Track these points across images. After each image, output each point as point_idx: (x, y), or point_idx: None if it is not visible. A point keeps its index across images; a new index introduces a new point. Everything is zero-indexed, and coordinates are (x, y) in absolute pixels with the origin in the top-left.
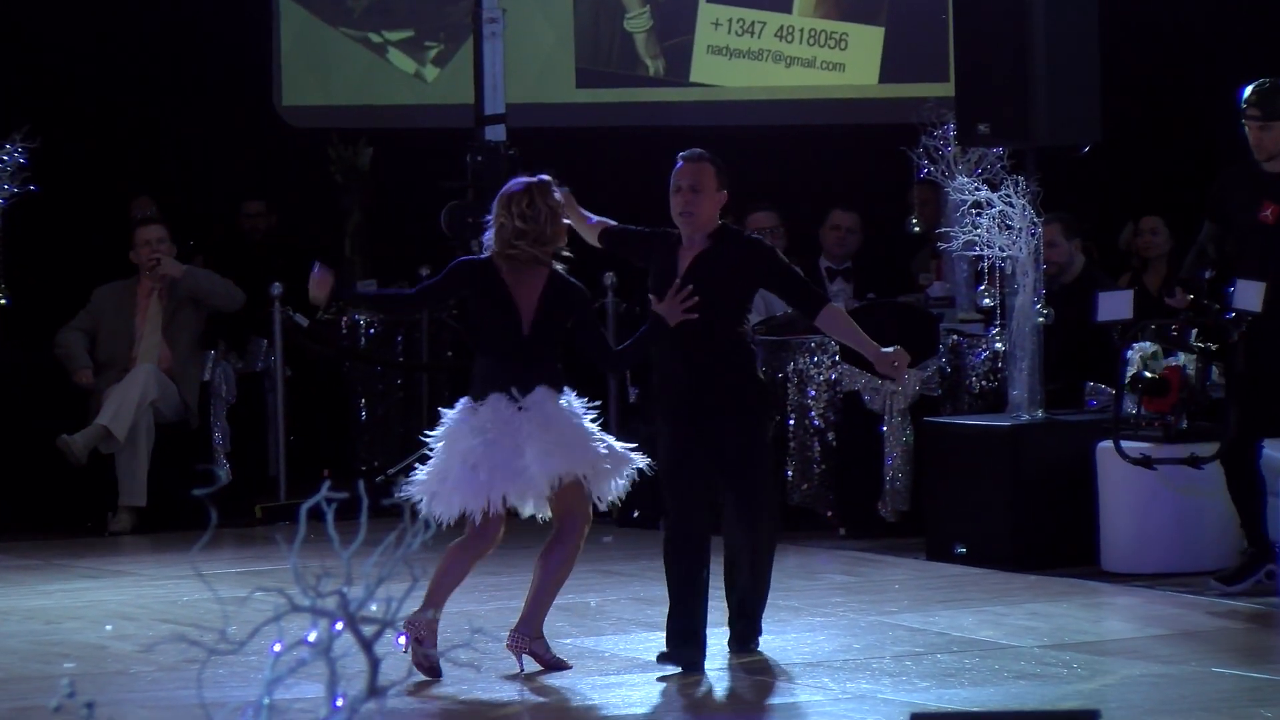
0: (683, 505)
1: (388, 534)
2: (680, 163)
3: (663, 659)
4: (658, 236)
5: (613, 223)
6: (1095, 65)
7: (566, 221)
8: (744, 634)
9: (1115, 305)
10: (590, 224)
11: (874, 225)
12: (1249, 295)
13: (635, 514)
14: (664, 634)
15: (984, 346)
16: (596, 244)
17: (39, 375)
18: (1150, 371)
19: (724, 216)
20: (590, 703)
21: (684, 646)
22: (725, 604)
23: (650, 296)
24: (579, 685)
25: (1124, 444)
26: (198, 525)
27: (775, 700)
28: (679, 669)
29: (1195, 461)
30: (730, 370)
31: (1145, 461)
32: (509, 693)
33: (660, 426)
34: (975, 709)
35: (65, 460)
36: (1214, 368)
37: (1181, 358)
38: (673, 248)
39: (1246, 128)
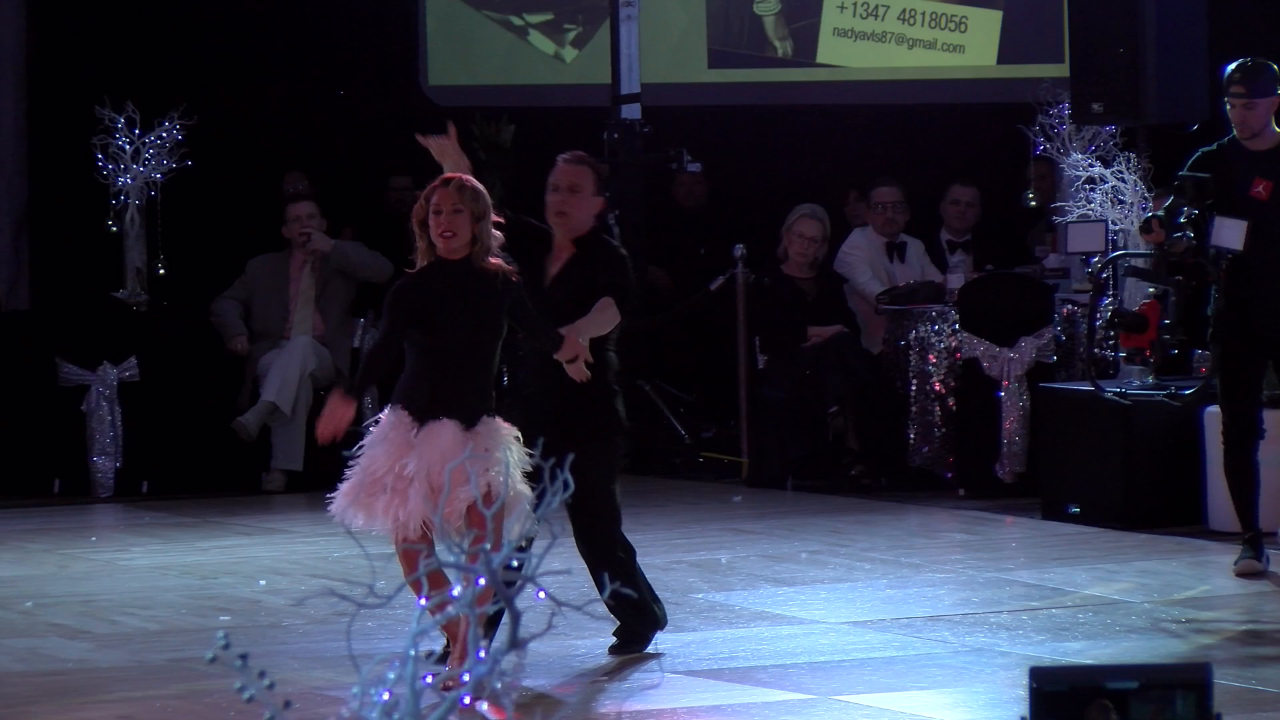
0: None
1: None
2: (559, 163)
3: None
4: (531, 233)
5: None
6: (1204, 45)
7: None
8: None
9: (1085, 237)
10: None
11: (992, 199)
12: (1230, 233)
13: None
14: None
15: (1097, 315)
16: None
17: (195, 342)
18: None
19: (853, 190)
20: (721, 653)
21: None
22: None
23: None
24: (711, 637)
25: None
26: None
27: (896, 652)
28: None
29: (1175, 398)
30: (584, 386)
31: (1122, 396)
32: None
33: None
34: (1090, 662)
35: (235, 435)
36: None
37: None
38: (546, 248)
39: (1230, 106)
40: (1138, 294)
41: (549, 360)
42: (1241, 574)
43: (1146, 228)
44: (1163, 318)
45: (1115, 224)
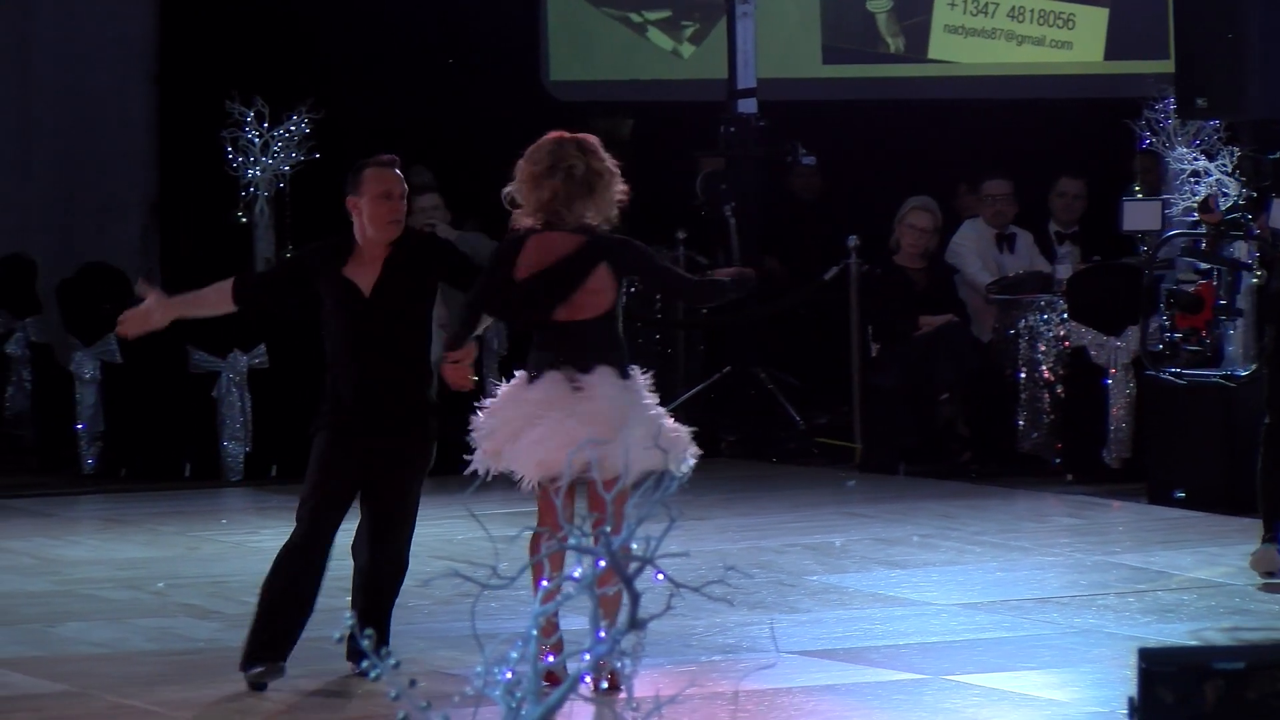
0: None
1: (647, 479)
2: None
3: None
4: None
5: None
6: None
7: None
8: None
9: (1142, 215)
10: None
11: (1099, 192)
12: None
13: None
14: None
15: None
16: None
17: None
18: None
19: (963, 183)
20: (835, 634)
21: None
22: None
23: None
24: (825, 618)
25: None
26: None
27: (1005, 633)
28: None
29: (1230, 380)
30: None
31: (1177, 375)
32: (760, 622)
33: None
34: (1196, 643)
35: None
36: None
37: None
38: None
39: None
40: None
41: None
42: (1259, 566)
43: (1205, 207)
44: (1218, 298)
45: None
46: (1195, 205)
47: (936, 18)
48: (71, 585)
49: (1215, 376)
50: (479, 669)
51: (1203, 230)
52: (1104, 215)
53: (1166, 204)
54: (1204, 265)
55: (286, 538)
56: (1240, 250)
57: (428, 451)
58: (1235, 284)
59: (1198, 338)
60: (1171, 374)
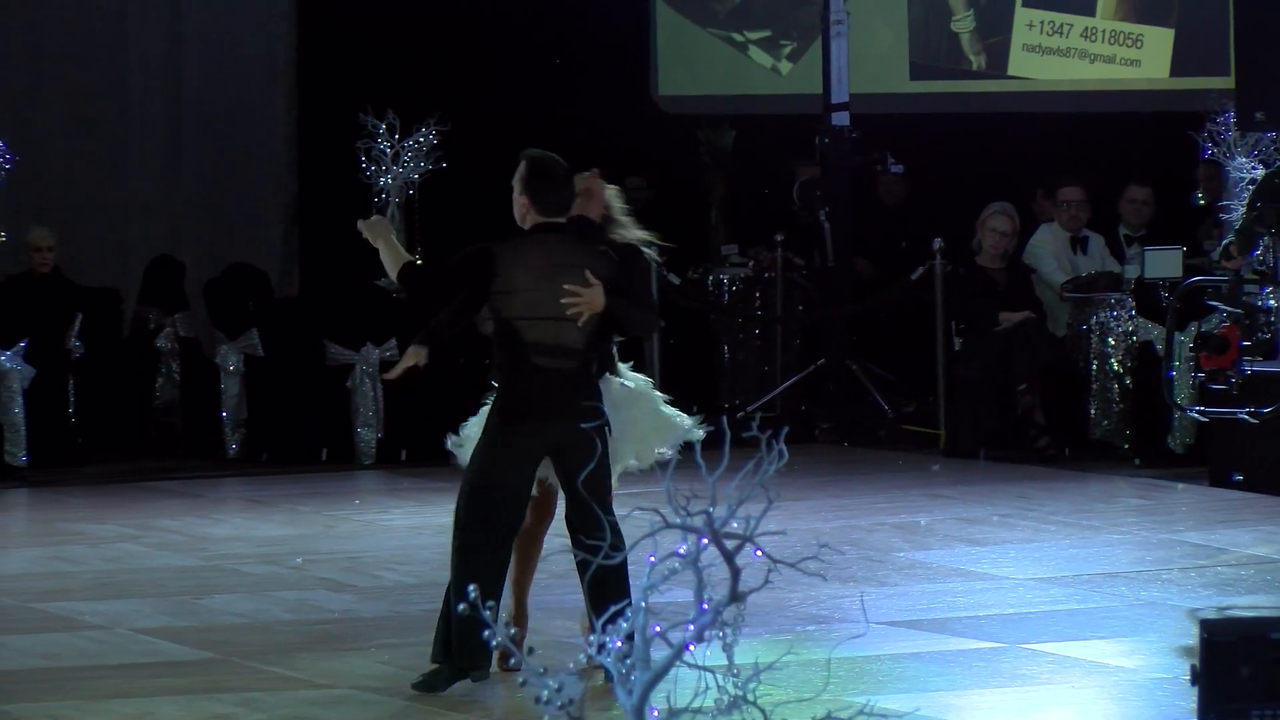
0: None
1: (747, 462)
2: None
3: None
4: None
5: None
6: None
7: None
8: None
9: (1163, 263)
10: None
11: (1165, 198)
12: None
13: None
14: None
15: (1259, 303)
16: None
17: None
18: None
19: (1040, 189)
20: (921, 606)
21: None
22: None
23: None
24: (912, 591)
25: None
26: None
27: (1077, 606)
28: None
29: (1255, 416)
30: None
31: (1202, 411)
32: (851, 595)
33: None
34: (1254, 615)
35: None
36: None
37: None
38: None
39: None
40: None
41: None
42: None
43: (1226, 254)
44: (1241, 339)
45: None
46: (1219, 255)
47: (1016, 37)
48: (216, 560)
49: (1242, 414)
50: (592, 638)
51: (1224, 276)
52: (1170, 220)
53: (1226, 209)
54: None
55: (415, 518)
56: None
57: None
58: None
59: (1224, 377)
60: (1198, 412)
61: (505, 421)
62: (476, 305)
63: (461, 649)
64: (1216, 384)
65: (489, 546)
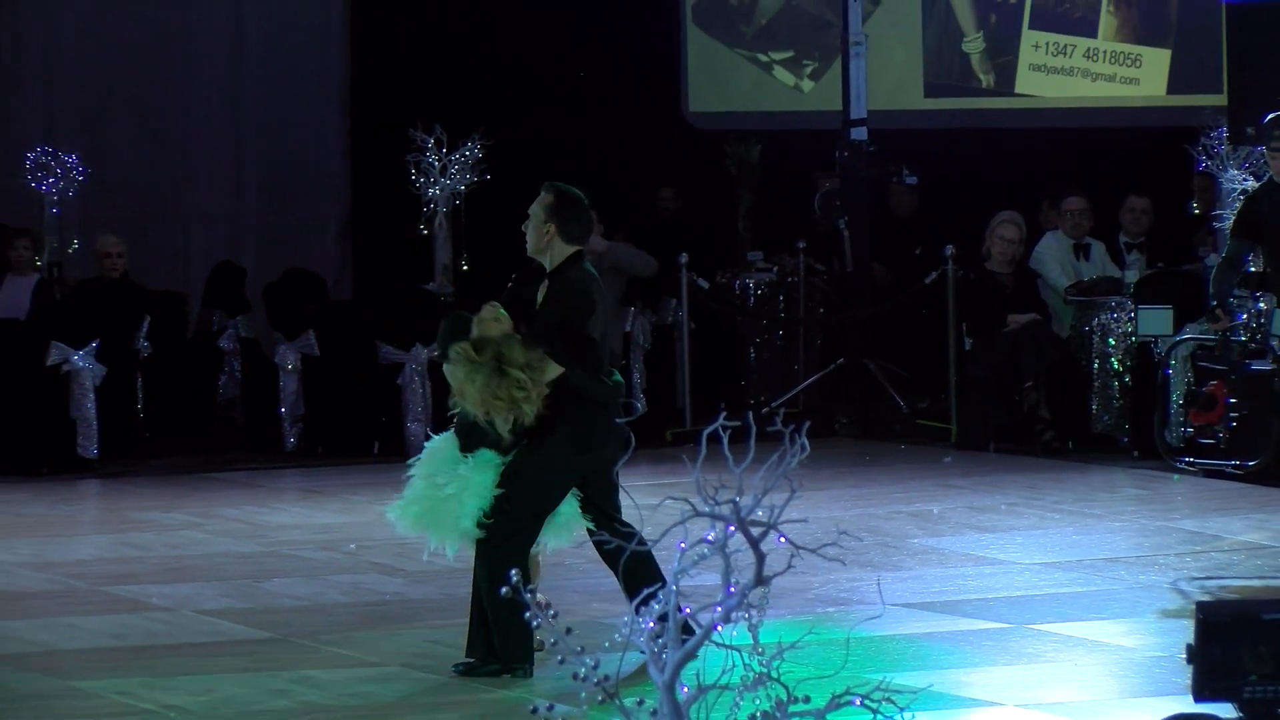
0: None
1: (771, 455)
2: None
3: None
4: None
5: None
6: None
7: None
8: None
9: (1155, 321)
10: None
11: (1162, 208)
12: None
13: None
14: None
15: (1250, 306)
16: None
17: None
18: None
19: (1045, 199)
20: (933, 589)
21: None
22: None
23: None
24: (925, 575)
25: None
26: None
27: (1080, 589)
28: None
29: (1240, 469)
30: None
31: (1192, 467)
32: (868, 579)
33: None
34: (1248, 597)
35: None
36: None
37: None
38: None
39: (1268, 153)
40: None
41: None
42: None
43: (1213, 316)
44: (1228, 396)
45: None
46: (1206, 318)
47: (1023, 57)
48: (275, 547)
49: (1229, 467)
50: (626, 619)
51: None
52: (1167, 228)
53: (1218, 218)
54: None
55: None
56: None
57: None
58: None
59: (1211, 432)
60: (1187, 463)
61: (584, 451)
62: None
63: (505, 646)
64: (1205, 439)
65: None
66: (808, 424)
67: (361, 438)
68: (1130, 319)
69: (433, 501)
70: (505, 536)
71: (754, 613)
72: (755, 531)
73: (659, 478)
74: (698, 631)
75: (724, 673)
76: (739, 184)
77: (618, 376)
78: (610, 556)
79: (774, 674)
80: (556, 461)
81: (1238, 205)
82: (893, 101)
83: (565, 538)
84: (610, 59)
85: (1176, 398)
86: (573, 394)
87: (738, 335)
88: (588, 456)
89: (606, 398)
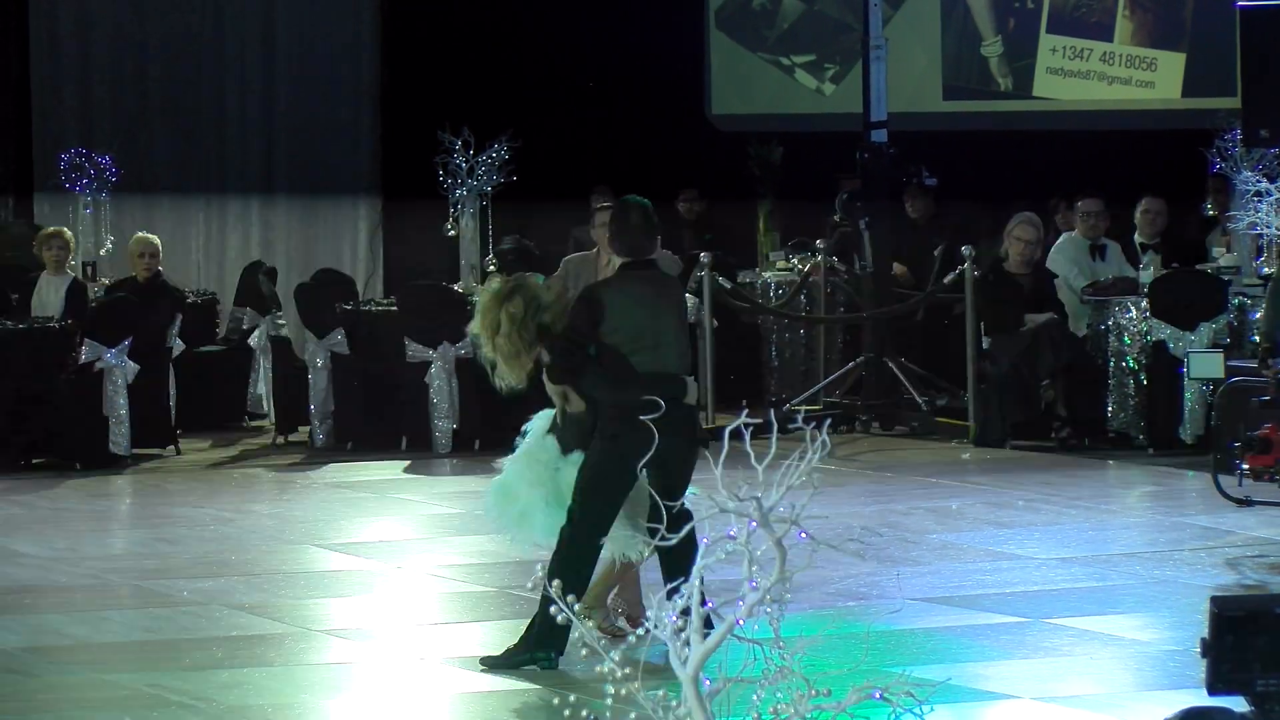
0: None
1: (793, 451)
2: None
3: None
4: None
5: None
6: None
7: None
8: None
9: (1207, 365)
10: None
11: (1177, 209)
12: None
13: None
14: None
15: (1262, 305)
16: None
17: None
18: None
19: (1062, 200)
20: (952, 583)
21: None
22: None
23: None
24: (944, 569)
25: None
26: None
27: (1096, 583)
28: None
29: None
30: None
31: (1246, 500)
32: (888, 574)
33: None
34: (1260, 591)
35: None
36: None
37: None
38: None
39: None
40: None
41: None
42: None
43: (1263, 363)
44: None
45: (1279, 230)
46: (1258, 364)
47: (1040, 61)
48: (305, 541)
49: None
50: (650, 613)
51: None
52: (1182, 229)
53: (1232, 219)
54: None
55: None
56: None
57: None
58: None
59: (1269, 475)
60: (1244, 497)
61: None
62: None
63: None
64: (1261, 481)
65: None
66: (829, 421)
67: (389, 433)
68: (1145, 318)
69: (529, 504)
70: (590, 534)
71: (776, 607)
72: (777, 527)
73: None
74: (719, 626)
75: (745, 666)
76: (761, 185)
77: (673, 380)
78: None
79: (795, 667)
80: (594, 460)
81: (1251, 206)
82: (912, 104)
83: (632, 548)
84: (635, 63)
85: (1191, 396)
86: (595, 398)
87: (759, 334)
88: (620, 449)
89: (622, 400)
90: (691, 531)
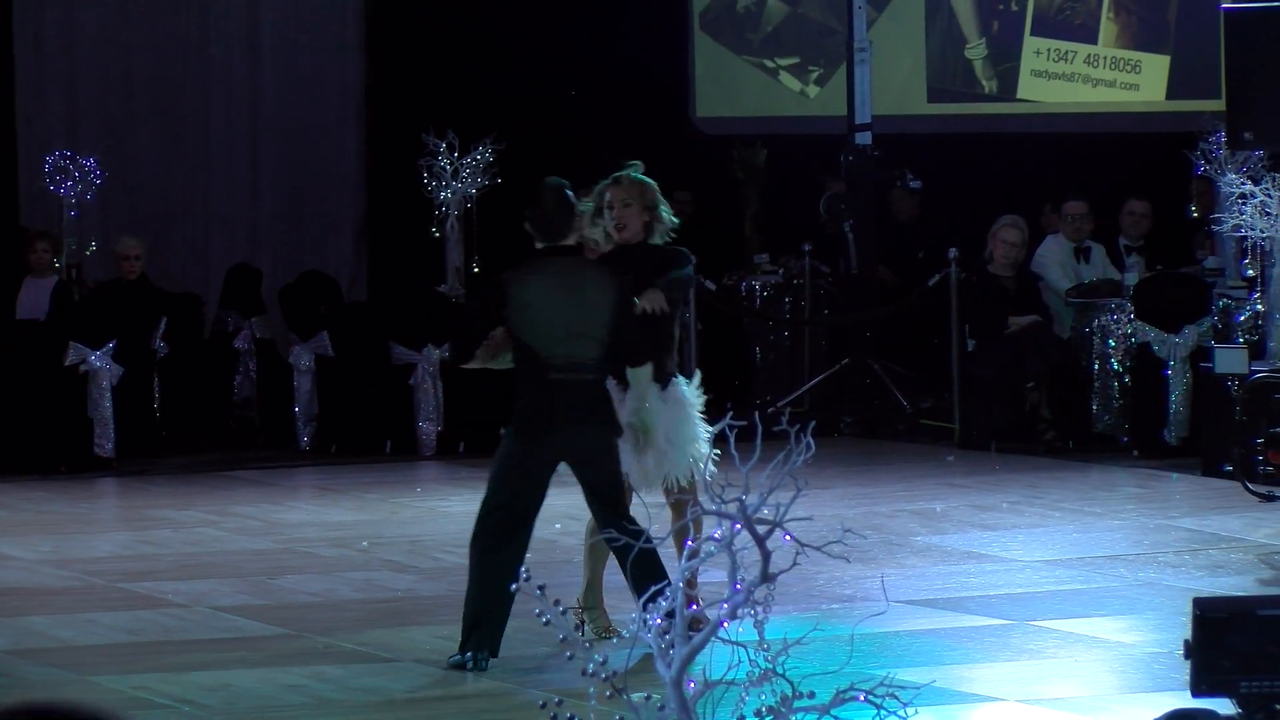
0: None
1: (777, 454)
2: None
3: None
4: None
5: None
6: None
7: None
8: None
9: (1231, 360)
10: None
11: (1161, 212)
12: None
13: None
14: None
15: (1247, 308)
16: None
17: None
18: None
19: (1047, 203)
20: (936, 586)
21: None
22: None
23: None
24: (928, 572)
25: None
26: None
27: (1081, 586)
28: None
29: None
30: None
31: (1269, 496)
32: (872, 576)
33: None
34: (1243, 594)
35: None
36: None
37: None
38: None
39: None
40: None
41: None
42: None
43: None
44: None
45: (1263, 233)
46: None
47: (1024, 64)
48: (290, 544)
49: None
50: (634, 615)
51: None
52: (1166, 232)
53: (1217, 221)
54: None
55: (472, 505)
56: None
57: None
58: None
59: None
60: (1267, 492)
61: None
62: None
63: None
64: None
65: (504, 553)
66: (813, 423)
67: (374, 437)
68: (1130, 320)
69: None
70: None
71: (760, 609)
72: (761, 529)
73: None
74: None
75: (730, 669)
76: (746, 188)
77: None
78: (619, 554)
79: (779, 670)
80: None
81: (1235, 209)
82: (897, 107)
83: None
84: (620, 65)
85: (1175, 398)
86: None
87: (744, 336)
88: (524, 441)
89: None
90: (651, 548)
